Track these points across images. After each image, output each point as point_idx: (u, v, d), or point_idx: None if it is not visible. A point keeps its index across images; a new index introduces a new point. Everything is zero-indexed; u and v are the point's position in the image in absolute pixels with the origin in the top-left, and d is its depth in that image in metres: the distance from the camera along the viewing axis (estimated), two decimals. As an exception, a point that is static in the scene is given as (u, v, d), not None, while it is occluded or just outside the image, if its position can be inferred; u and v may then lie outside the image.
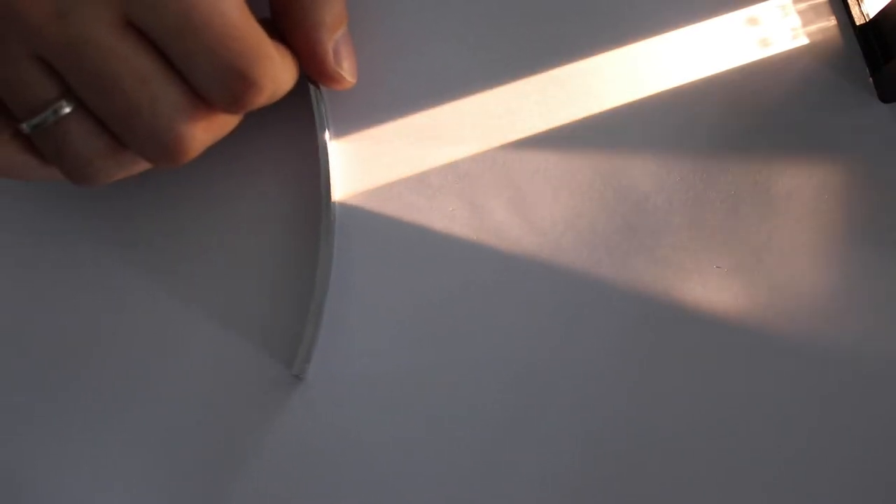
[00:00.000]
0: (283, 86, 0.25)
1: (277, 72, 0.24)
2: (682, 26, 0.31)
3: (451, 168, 0.30)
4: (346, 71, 0.28)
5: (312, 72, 0.28)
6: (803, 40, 0.30)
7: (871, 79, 0.30)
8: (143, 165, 0.26)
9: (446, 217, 0.30)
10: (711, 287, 0.29)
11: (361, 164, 0.30)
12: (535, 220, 0.30)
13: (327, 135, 0.30)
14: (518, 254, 0.29)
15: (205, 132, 0.24)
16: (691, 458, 0.28)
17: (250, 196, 0.30)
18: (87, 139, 0.24)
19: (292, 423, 0.29)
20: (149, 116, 0.23)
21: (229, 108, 0.24)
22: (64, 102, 0.23)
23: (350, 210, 0.30)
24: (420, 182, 0.30)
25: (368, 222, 0.30)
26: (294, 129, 0.30)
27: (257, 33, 0.23)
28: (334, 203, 0.29)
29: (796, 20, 0.31)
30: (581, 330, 0.29)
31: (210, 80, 0.23)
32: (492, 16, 0.31)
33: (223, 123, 0.25)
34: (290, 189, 0.30)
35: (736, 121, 0.30)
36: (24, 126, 0.23)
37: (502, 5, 0.31)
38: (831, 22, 0.30)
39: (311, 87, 0.29)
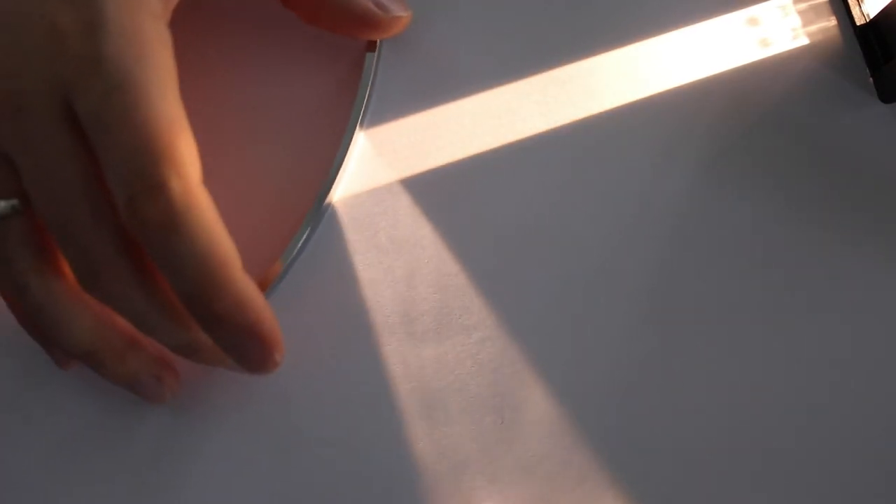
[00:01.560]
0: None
1: (185, 177, 0.22)
2: (682, 26, 0.31)
3: (451, 168, 0.30)
4: (397, 9, 0.29)
5: (372, 33, 0.29)
6: (803, 40, 0.30)
7: (871, 79, 0.30)
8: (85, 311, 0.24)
9: (444, 219, 0.29)
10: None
11: (360, 165, 0.30)
12: (537, 223, 0.29)
13: (358, 125, 0.29)
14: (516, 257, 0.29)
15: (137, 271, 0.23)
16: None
17: (248, 189, 0.30)
18: (23, 244, 0.23)
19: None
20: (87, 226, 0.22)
21: (130, 219, 0.22)
22: (16, 201, 0.23)
23: (344, 211, 0.29)
24: (419, 183, 0.30)
25: (360, 224, 0.29)
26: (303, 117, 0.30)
27: (169, 136, 0.21)
28: (328, 204, 0.29)
29: (796, 20, 0.31)
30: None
31: (117, 178, 0.22)
32: (492, 16, 0.31)
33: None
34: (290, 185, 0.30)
35: (736, 121, 0.30)
36: None
37: (502, 6, 0.31)
38: (831, 22, 0.30)
39: (363, 77, 0.29)
